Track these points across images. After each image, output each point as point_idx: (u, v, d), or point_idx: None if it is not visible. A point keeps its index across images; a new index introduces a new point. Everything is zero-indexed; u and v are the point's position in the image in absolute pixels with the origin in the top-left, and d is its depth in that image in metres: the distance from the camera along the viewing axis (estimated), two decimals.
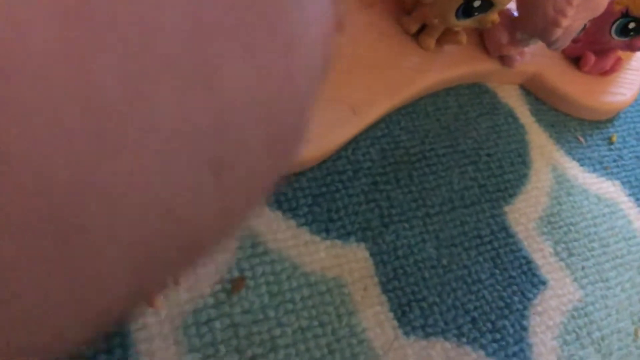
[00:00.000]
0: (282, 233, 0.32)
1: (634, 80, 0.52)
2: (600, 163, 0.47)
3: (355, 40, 0.38)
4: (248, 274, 0.29)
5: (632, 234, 0.44)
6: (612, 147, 0.49)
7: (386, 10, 0.41)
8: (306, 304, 0.30)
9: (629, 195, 0.47)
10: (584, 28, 0.41)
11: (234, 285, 0.29)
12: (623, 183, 0.47)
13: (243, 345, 0.27)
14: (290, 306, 0.30)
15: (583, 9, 0.39)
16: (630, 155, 0.50)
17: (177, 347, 0.26)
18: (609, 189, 0.46)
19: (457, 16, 0.37)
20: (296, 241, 0.32)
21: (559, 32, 0.39)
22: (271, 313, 0.29)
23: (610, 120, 0.51)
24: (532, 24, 0.40)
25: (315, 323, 0.30)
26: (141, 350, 0.25)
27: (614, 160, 0.48)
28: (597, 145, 0.48)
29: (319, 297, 0.31)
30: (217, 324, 0.27)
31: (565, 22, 0.39)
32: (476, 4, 0.36)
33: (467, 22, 0.38)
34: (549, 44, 0.41)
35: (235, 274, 0.29)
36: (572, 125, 0.48)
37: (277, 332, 0.29)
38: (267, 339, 0.28)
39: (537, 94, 0.47)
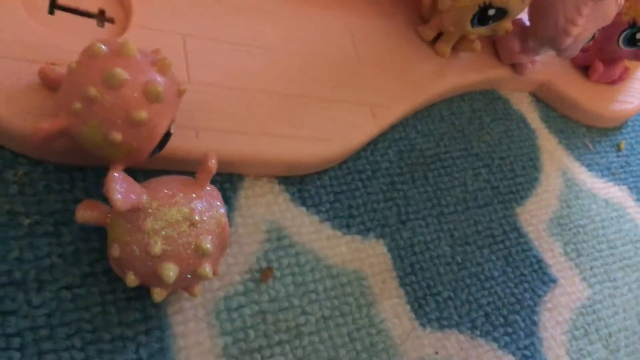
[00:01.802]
0: (306, 227, 0.33)
1: None
2: (609, 169, 0.49)
3: (376, 47, 0.40)
4: (275, 264, 0.31)
5: (638, 237, 0.46)
6: (620, 153, 0.51)
7: (404, 18, 0.43)
8: (328, 294, 0.32)
9: (636, 200, 0.48)
10: (593, 37, 0.42)
11: (262, 275, 0.30)
12: (630, 188, 0.49)
13: (270, 331, 0.29)
14: (313, 296, 0.31)
15: (592, 18, 0.40)
16: (637, 162, 0.51)
17: (210, 330, 0.27)
18: (617, 193, 0.47)
19: (472, 24, 0.39)
20: (319, 235, 0.33)
21: (569, 41, 0.41)
22: (296, 302, 0.30)
23: (618, 128, 0.53)
24: (544, 32, 0.42)
25: (337, 313, 0.31)
26: (177, 332, 0.27)
27: (622, 167, 0.50)
28: (606, 151, 0.50)
29: (340, 289, 0.32)
30: (247, 311, 0.29)
31: (575, 31, 0.40)
32: (491, 12, 0.38)
33: (482, 30, 0.40)
34: (559, 52, 0.42)
35: (264, 264, 0.31)
36: (581, 131, 0.50)
37: (302, 320, 0.30)
38: (292, 327, 0.30)
39: (547, 101, 0.49)
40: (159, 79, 0.25)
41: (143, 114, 0.24)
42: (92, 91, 0.24)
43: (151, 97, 0.24)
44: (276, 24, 0.37)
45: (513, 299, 0.37)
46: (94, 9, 0.32)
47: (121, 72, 0.24)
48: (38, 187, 0.27)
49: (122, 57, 0.24)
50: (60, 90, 0.26)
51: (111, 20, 0.32)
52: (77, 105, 0.24)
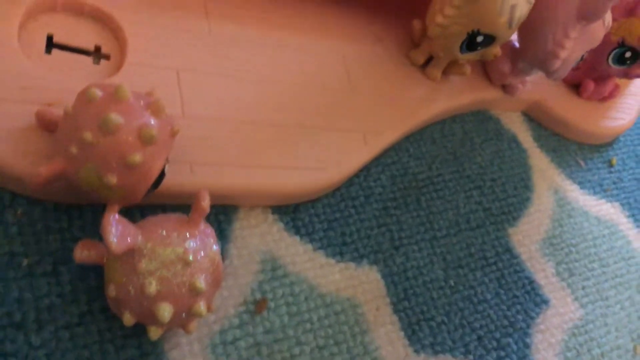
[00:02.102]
0: (300, 256, 0.34)
1: (633, 105, 0.55)
2: (600, 185, 0.49)
3: (368, 73, 0.40)
4: (269, 295, 0.32)
5: (631, 254, 0.46)
6: (612, 169, 0.51)
7: (395, 44, 0.43)
8: (323, 323, 0.32)
9: (629, 216, 0.49)
10: (582, 58, 0.43)
11: (257, 306, 0.31)
12: (622, 205, 0.49)
13: None
14: (308, 326, 0.32)
15: (580, 41, 0.41)
16: (629, 177, 0.52)
17: None
18: (609, 210, 0.48)
19: (461, 50, 0.40)
20: (313, 264, 0.34)
21: (557, 63, 0.41)
22: (291, 332, 0.31)
23: (610, 144, 0.53)
24: (533, 55, 0.43)
25: (332, 342, 0.32)
26: None
27: (614, 183, 0.50)
28: (598, 168, 0.50)
29: (334, 317, 0.33)
30: (242, 343, 0.29)
31: (563, 54, 0.41)
32: (479, 39, 0.38)
33: (471, 56, 0.41)
34: (549, 74, 0.43)
35: (258, 295, 0.31)
36: (573, 149, 0.50)
37: (297, 350, 0.31)
38: (287, 357, 0.30)
39: (539, 120, 0.50)
40: (153, 122, 0.25)
41: (137, 157, 0.25)
42: (88, 136, 0.24)
43: (145, 140, 0.25)
44: (269, 54, 0.37)
45: (506, 322, 0.38)
46: (90, 45, 0.33)
47: (116, 117, 0.24)
48: (37, 226, 0.28)
49: (117, 101, 0.25)
50: (57, 134, 0.26)
51: (107, 57, 0.33)
52: (74, 149, 0.25)
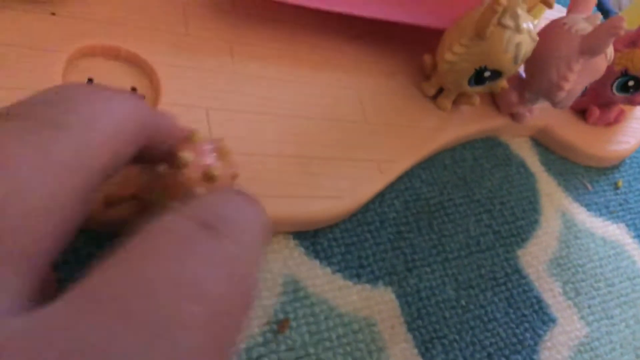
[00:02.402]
0: (319, 279, 0.36)
1: (638, 128, 0.57)
2: (607, 207, 0.51)
3: (382, 106, 0.43)
4: (291, 315, 0.34)
5: (636, 274, 0.48)
6: (618, 191, 0.53)
7: (407, 77, 0.46)
8: (341, 341, 0.35)
9: (634, 237, 0.51)
10: (585, 89, 0.45)
11: (280, 326, 0.33)
12: (628, 225, 0.51)
13: None
14: (327, 344, 0.34)
15: (584, 73, 0.44)
16: (635, 198, 0.54)
17: None
18: (615, 231, 0.50)
19: (469, 84, 0.42)
20: (332, 286, 0.37)
21: (562, 95, 0.44)
22: (311, 350, 0.34)
23: (616, 167, 0.55)
24: (539, 86, 0.45)
25: (350, 358, 0.34)
26: None
27: (620, 204, 0.52)
28: (604, 190, 0.53)
29: (352, 336, 0.35)
30: None
31: (567, 86, 0.43)
32: (486, 74, 0.41)
33: (479, 89, 0.43)
34: (554, 104, 0.45)
35: (281, 316, 0.34)
36: (580, 172, 0.52)
37: None
38: None
39: (546, 145, 0.52)
40: (217, 163, 0.29)
41: (199, 191, 0.28)
42: (161, 169, 0.28)
43: (208, 178, 0.28)
44: (289, 90, 0.40)
45: (515, 339, 0.40)
46: (127, 87, 0.36)
47: (188, 155, 0.28)
48: None
49: (190, 142, 0.29)
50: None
51: (142, 97, 0.36)
52: (146, 178, 0.29)
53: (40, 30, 0.34)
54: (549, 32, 0.43)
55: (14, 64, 0.33)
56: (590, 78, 0.44)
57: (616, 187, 0.53)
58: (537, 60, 0.44)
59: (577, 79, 0.43)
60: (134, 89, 0.36)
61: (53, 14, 0.36)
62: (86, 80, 0.35)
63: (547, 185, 0.50)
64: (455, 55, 0.40)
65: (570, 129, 0.52)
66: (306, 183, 0.37)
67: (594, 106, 0.53)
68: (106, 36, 0.36)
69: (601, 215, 0.50)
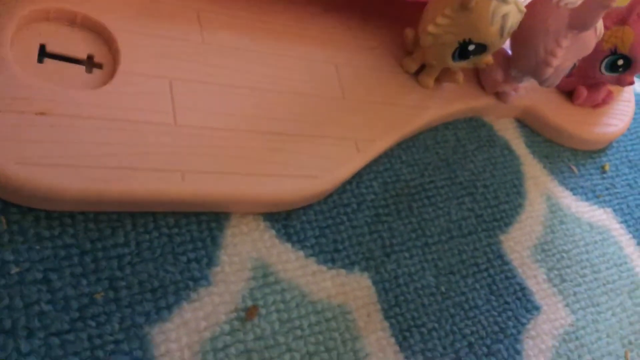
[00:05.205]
0: (291, 264, 0.34)
1: (626, 111, 0.55)
2: (593, 191, 0.50)
3: (361, 81, 0.41)
4: (260, 302, 0.32)
5: (623, 260, 0.46)
6: (604, 175, 0.51)
7: (387, 52, 0.43)
8: (313, 330, 0.33)
9: (621, 222, 0.49)
10: (574, 66, 0.43)
11: (248, 313, 0.31)
12: (615, 210, 0.49)
13: None
14: (299, 332, 0.32)
15: (572, 49, 0.41)
16: (622, 183, 0.52)
17: None
18: (601, 216, 0.48)
19: (453, 58, 0.40)
20: (304, 271, 0.34)
21: (549, 72, 0.42)
22: (281, 339, 0.31)
23: (603, 150, 0.53)
24: (525, 63, 0.43)
25: (322, 348, 0.32)
26: None
27: (607, 189, 0.51)
28: (590, 174, 0.51)
29: (325, 324, 0.33)
30: (232, 350, 0.30)
31: (555, 62, 0.41)
32: (471, 47, 0.39)
33: (463, 64, 0.41)
34: (541, 82, 0.43)
35: (249, 302, 0.31)
36: (566, 155, 0.51)
37: (287, 357, 0.31)
38: None
39: (532, 127, 0.50)
40: None
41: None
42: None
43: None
44: (262, 63, 0.38)
45: (497, 328, 0.38)
46: (82, 54, 0.33)
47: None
48: (28, 234, 0.28)
49: None
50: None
51: (100, 66, 0.33)
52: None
53: None
54: (536, 5, 0.41)
55: None
56: (578, 54, 0.42)
57: (603, 171, 0.52)
58: (523, 35, 0.42)
59: (565, 55, 0.41)
60: (90, 57, 0.33)
61: None
62: (38, 46, 0.32)
63: (532, 168, 0.48)
64: (438, 27, 0.38)
65: (557, 110, 0.50)
66: (278, 161, 0.35)
67: (581, 87, 0.51)
68: None
69: (587, 199, 0.49)
